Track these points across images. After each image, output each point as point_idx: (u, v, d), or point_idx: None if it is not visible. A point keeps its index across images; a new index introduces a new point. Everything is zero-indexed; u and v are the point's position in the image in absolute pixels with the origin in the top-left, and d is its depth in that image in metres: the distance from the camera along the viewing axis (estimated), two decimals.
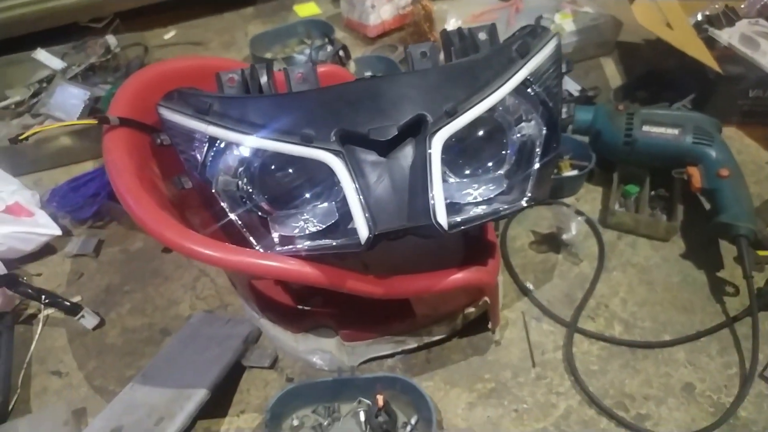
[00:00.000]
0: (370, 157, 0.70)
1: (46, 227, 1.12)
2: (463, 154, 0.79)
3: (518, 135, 0.82)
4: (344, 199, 0.69)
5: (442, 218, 0.65)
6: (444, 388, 0.92)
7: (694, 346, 0.96)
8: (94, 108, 1.31)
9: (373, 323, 0.92)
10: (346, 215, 0.77)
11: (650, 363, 0.94)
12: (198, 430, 0.88)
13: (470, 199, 0.80)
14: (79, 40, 1.49)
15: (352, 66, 1.36)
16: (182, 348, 0.94)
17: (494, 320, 0.94)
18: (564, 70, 0.85)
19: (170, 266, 1.14)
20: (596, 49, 1.64)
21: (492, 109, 0.76)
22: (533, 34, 0.83)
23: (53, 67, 1.41)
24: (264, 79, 0.82)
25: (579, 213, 1.17)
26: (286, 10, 1.85)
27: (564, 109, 0.84)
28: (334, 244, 0.75)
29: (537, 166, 0.81)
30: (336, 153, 0.67)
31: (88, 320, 1.00)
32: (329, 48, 1.50)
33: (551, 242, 1.15)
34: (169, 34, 1.75)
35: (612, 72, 1.61)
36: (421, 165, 0.69)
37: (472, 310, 0.94)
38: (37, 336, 1.01)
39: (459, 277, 0.77)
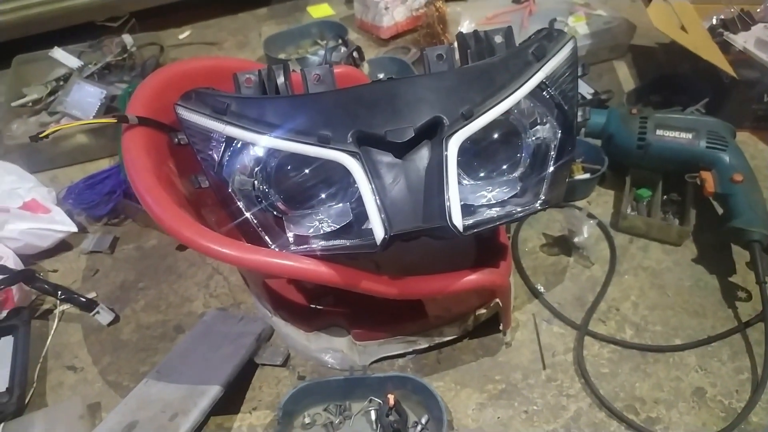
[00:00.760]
0: (386, 158, 0.71)
1: (62, 224, 1.13)
2: (477, 156, 0.80)
3: (533, 138, 0.83)
4: (359, 200, 0.70)
5: (457, 220, 0.66)
6: (454, 389, 0.92)
7: (705, 351, 0.95)
8: (110, 107, 1.33)
9: (385, 323, 0.92)
10: (360, 216, 0.78)
11: (661, 367, 0.94)
12: (211, 426, 0.88)
13: (484, 201, 0.81)
14: (96, 39, 1.51)
15: (365, 67, 1.37)
16: (196, 345, 0.95)
17: (506, 322, 0.94)
18: (580, 73, 0.85)
19: (184, 264, 1.15)
20: (609, 52, 1.64)
21: (507, 112, 0.76)
22: (549, 38, 0.83)
23: (70, 65, 1.43)
24: (281, 80, 0.83)
25: (591, 216, 1.17)
26: (300, 11, 1.86)
27: (579, 113, 0.85)
28: (348, 244, 0.76)
29: (551, 168, 0.82)
30: (352, 154, 0.68)
31: (103, 316, 1.01)
32: (343, 49, 1.51)
33: (563, 245, 1.16)
34: (184, 34, 1.77)
35: (625, 75, 1.61)
36: (437, 167, 0.69)
37: (483, 311, 0.94)
38: (53, 331, 1.03)
39: (472, 278, 0.77)
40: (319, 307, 0.94)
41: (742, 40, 1.36)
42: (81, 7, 1.60)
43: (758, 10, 1.44)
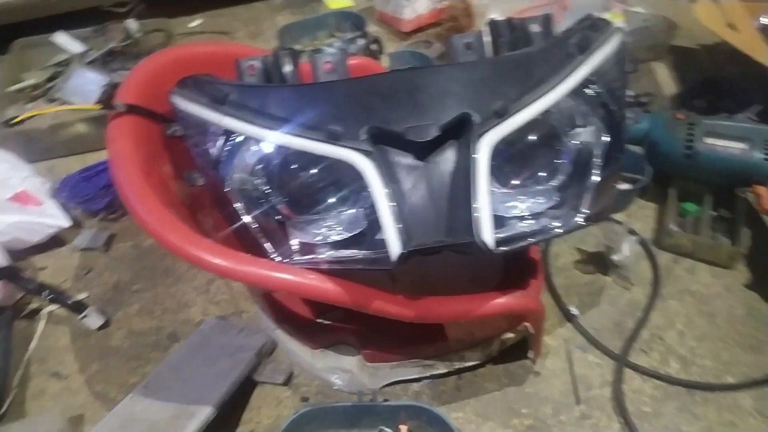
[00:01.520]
0: (406, 159, 0.61)
1: (54, 218, 1.05)
2: (510, 161, 0.69)
3: (575, 142, 0.72)
4: (373, 206, 0.60)
5: (487, 235, 0.56)
6: (475, 421, 0.82)
7: (763, 392, 0.84)
8: (111, 95, 1.24)
9: (400, 344, 0.82)
10: (374, 223, 0.67)
11: (711, 408, 0.82)
12: None
13: (515, 212, 0.70)
14: (101, 24, 1.43)
15: (384, 61, 1.27)
16: (190, 357, 0.86)
17: (536, 350, 0.83)
18: (628, 69, 0.75)
19: (183, 266, 1.06)
20: (648, 52, 1.52)
21: (547, 111, 0.66)
22: (594, 27, 0.73)
23: (72, 50, 1.35)
24: (288, 68, 0.73)
25: (632, 232, 1.06)
26: (317, 1, 1.77)
27: (629, 114, 0.74)
28: (360, 256, 0.66)
29: (595, 178, 0.71)
30: (366, 153, 0.58)
31: (93, 320, 0.93)
32: (360, 41, 1.41)
33: (599, 262, 1.04)
34: (195, 22, 1.69)
35: (665, 78, 1.49)
36: (464, 172, 0.59)
37: (510, 335, 0.84)
38: (38, 334, 0.95)
39: (501, 302, 0.67)
40: (326, 322, 0.84)
41: None
42: None
43: None
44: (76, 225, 1.12)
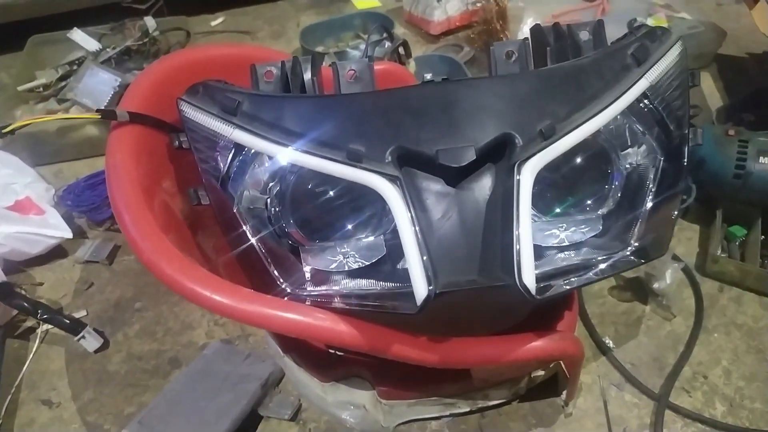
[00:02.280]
0: (435, 185, 0.54)
1: (55, 228, 0.99)
2: (553, 186, 0.62)
3: (627, 164, 0.64)
4: (395, 231, 0.52)
5: (529, 277, 0.48)
6: None
7: None
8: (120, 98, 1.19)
9: (418, 380, 0.75)
10: (395, 251, 0.61)
11: None
12: None
13: (554, 242, 0.63)
14: (119, 21, 1.38)
15: (412, 65, 1.20)
16: (190, 388, 0.79)
17: (570, 392, 0.75)
18: (691, 83, 0.67)
19: None
20: (692, 61, 1.42)
21: (597, 130, 0.58)
22: (652, 36, 0.64)
23: (88, 48, 1.30)
24: (308, 76, 0.66)
25: (675, 258, 0.97)
26: (343, 1, 1.70)
27: (690, 135, 0.66)
28: (379, 288, 0.59)
29: (649, 204, 0.63)
30: (391, 179, 0.51)
31: (90, 342, 0.87)
32: (387, 44, 1.34)
33: (637, 289, 0.96)
34: (217, 20, 1.63)
35: (710, 89, 1.39)
36: (502, 201, 0.51)
37: (540, 373, 0.76)
38: (31, 355, 0.89)
39: (537, 346, 0.59)
40: (339, 353, 0.77)
41: None
42: None
43: None
44: (80, 235, 1.07)
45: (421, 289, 0.48)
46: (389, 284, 0.59)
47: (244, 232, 0.62)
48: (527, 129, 0.53)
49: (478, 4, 1.41)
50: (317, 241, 0.63)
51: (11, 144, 1.16)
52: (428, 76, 1.36)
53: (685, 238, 1.05)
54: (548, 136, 0.53)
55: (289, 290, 0.62)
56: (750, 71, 1.45)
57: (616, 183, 0.63)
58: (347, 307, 0.57)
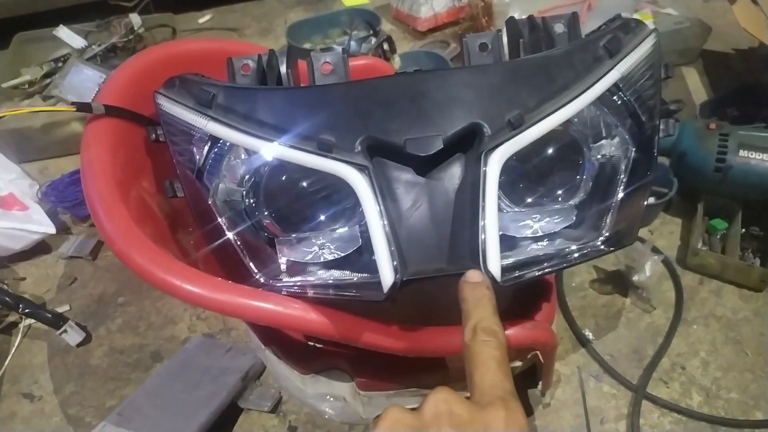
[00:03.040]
0: (405, 175, 0.54)
1: (39, 224, 0.99)
2: (524, 176, 0.62)
3: (598, 155, 0.64)
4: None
5: (493, 265, 0.48)
6: None
7: None
8: None
9: (397, 372, 0.75)
10: (370, 241, 0.61)
11: None
12: None
13: (528, 233, 0.63)
14: (105, 18, 1.38)
15: (396, 61, 1.20)
16: (170, 381, 0.80)
17: (546, 382, 0.76)
18: (663, 75, 0.67)
19: None
20: (678, 56, 1.44)
21: (568, 122, 0.59)
22: (625, 28, 0.65)
23: (74, 45, 1.30)
24: (283, 69, 0.67)
25: (655, 251, 0.98)
26: None
27: (661, 126, 0.66)
28: (355, 279, 0.60)
29: (620, 195, 0.64)
30: (360, 168, 0.51)
31: (72, 335, 0.87)
32: (373, 40, 1.34)
33: (617, 282, 0.97)
34: (204, 18, 1.63)
35: (695, 84, 1.40)
36: (471, 190, 0.52)
37: (518, 364, 0.76)
38: (14, 349, 0.89)
39: (509, 335, 0.60)
40: (318, 345, 0.78)
41: None
42: None
43: None
44: (64, 230, 1.07)
45: (387, 277, 0.48)
46: (364, 274, 0.60)
47: (220, 224, 0.62)
48: (496, 119, 0.53)
49: (465, 1, 1.42)
50: (293, 233, 0.63)
51: None
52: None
53: (667, 232, 1.06)
54: (516, 126, 0.53)
55: (263, 281, 0.62)
56: (735, 67, 1.45)
57: (588, 174, 0.64)
58: (323, 296, 0.58)
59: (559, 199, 0.64)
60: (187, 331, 0.91)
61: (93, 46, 1.28)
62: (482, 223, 0.49)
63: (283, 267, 0.64)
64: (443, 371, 0.74)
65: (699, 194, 1.05)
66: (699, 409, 0.80)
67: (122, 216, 0.55)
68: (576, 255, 0.60)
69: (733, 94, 1.28)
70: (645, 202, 0.66)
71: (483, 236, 0.48)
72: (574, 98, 0.57)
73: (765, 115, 1.21)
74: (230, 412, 0.78)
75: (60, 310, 0.93)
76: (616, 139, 0.65)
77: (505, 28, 0.70)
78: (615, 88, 0.61)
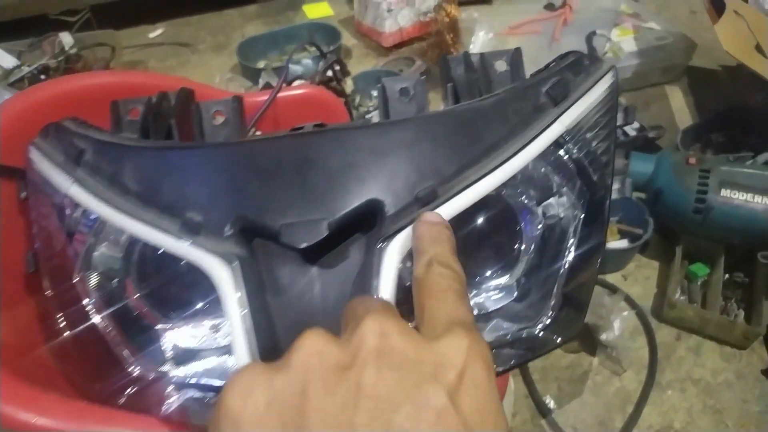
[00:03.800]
0: (290, 264, 0.44)
1: None
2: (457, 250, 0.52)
3: (539, 220, 0.54)
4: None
5: None
6: None
7: None
8: None
9: None
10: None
11: None
12: None
13: None
14: (41, 35, 1.27)
15: (349, 85, 1.10)
16: None
17: None
18: (621, 122, 0.57)
19: None
20: (661, 74, 1.34)
21: (503, 185, 0.49)
22: (576, 67, 0.54)
23: (5, 65, 1.19)
24: (172, 119, 0.56)
25: (628, 299, 0.88)
26: (295, 9, 1.60)
27: (616, 186, 0.56)
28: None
29: (567, 266, 0.54)
30: (226, 258, 0.41)
31: None
32: (321, 62, 1.24)
33: (585, 338, 0.87)
34: (156, 32, 1.52)
35: (680, 105, 1.30)
36: (367, 285, 0.42)
37: None
38: None
39: None
40: None
41: None
42: None
43: None
44: None
45: None
46: None
47: (87, 304, 0.52)
48: (402, 193, 0.43)
49: (430, 15, 1.31)
50: (174, 316, 0.53)
51: None
52: (374, 93, 1.24)
53: (643, 277, 0.96)
54: (427, 202, 0.43)
55: (141, 373, 0.52)
56: (723, 85, 1.36)
57: (527, 243, 0.53)
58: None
59: (494, 275, 0.54)
60: None
61: (23, 67, 1.18)
62: None
63: (169, 354, 0.54)
64: None
65: (678, 236, 0.95)
66: None
67: None
68: (516, 349, 0.50)
69: (718, 118, 1.18)
70: (595, 273, 0.56)
71: None
72: (504, 161, 0.46)
73: (752, 143, 1.12)
74: None
75: None
76: (563, 199, 0.55)
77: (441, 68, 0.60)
78: (561, 140, 0.51)
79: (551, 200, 0.54)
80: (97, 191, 0.48)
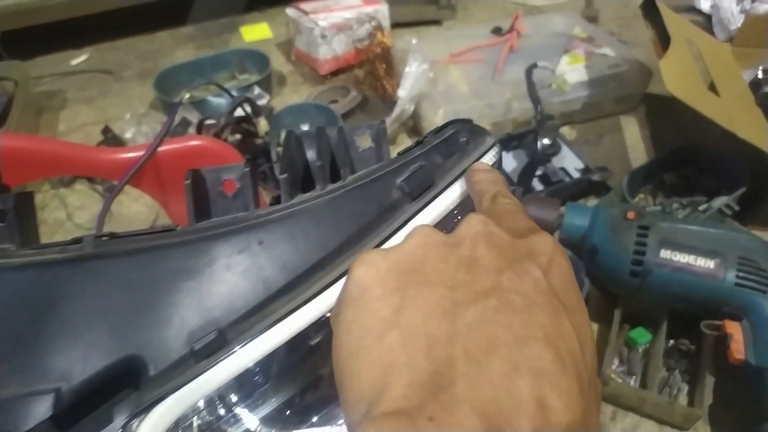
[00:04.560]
0: None
1: None
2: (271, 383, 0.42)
3: None
4: None
5: None
6: None
7: None
8: None
9: None
10: None
11: None
12: None
13: None
14: None
15: (263, 126, 1.00)
16: None
17: None
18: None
19: None
20: (615, 105, 1.24)
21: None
22: (449, 146, 0.44)
23: None
24: None
25: None
26: (231, 31, 1.50)
27: None
28: None
29: None
30: None
31: None
32: (257, 90, 1.15)
33: None
34: (79, 58, 1.42)
35: (634, 138, 1.21)
36: None
37: None
38: None
39: None
40: None
41: None
42: None
43: None
44: None
45: None
46: None
47: None
48: (173, 344, 0.33)
49: (366, 43, 1.22)
50: None
51: None
52: (305, 127, 1.12)
53: None
54: (209, 353, 0.33)
55: None
56: (682, 114, 1.26)
57: None
58: None
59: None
60: None
61: None
62: None
63: None
64: None
65: (617, 297, 0.85)
66: None
67: None
68: None
69: (672, 157, 1.08)
70: None
71: None
72: (328, 285, 0.37)
73: (707, 185, 1.03)
74: None
75: None
76: None
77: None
78: None
79: None
80: None
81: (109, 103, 1.27)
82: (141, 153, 0.75)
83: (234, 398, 0.42)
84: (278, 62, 1.38)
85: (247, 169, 0.43)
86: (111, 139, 1.07)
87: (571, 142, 1.13)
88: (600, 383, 0.37)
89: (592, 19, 1.52)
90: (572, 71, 1.19)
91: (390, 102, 1.14)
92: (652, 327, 0.84)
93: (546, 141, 0.97)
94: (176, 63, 1.25)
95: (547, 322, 0.23)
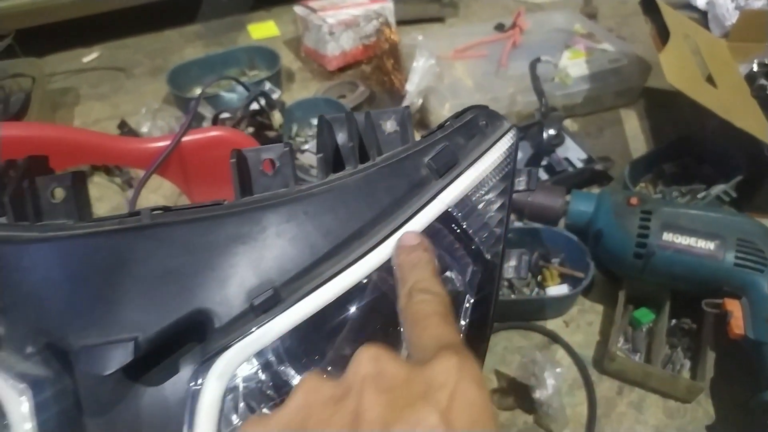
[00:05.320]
0: (108, 382, 0.37)
1: None
2: (316, 346, 0.46)
3: None
4: None
5: None
6: None
7: None
8: None
9: None
10: None
11: None
12: None
13: None
14: None
15: (277, 119, 1.03)
16: None
17: None
18: (522, 186, 0.51)
19: None
20: (615, 98, 1.28)
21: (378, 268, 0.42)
22: (470, 130, 0.48)
23: None
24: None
25: (568, 351, 0.82)
26: (239, 30, 1.53)
27: (513, 263, 0.50)
28: None
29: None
30: (18, 382, 0.35)
31: None
32: (267, 85, 1.18)
33: (522, 393, 0.80)
34: (90, 56, 1.45)
35: (634, 130, 1.24)
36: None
37: None
38: None
39: None
40: None
41: None
42: None
43: None
44: None
45: None
46: None
47: None
48: (235, 301, 0.37)
49: (372, 39, 1.25)
50: None
51: None
52: (314, 122, 1.15)
53: (585, 323, 0.90)
54: (266, 309, 0.37)
55: None
56: (680, 107, 1.30)
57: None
58: None
59: None
60: None
61: None
62: None
63: None
64: None
65: (621, 279, 0.89)
66: None
67: None
68: None
69: (672, 147, 1.12)
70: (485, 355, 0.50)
71: None
72: (368, 251, 0.41)
73: (706, 173, 1.06)
74: None
75: None
76: (453, 275, 0.49)
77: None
78: (442, 218, 0.45)
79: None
80: None
81: (122, 99, 1.30)
82: (167, 143, 0.78)
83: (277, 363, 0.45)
84: (287, 59, 1.41)
85: (287, 148, 0.46)
86: (127, 133, 1.10)
87: (574, 134, 1.17)
88: None
89: (591, 15, 1.55)
90: (573, 66, 1.23)
91: (397, 96, 1.18)
92: (655, 307, 0.88)
93: (551, 131, 1.01)
94: (188, 60, 1.28)
95: None
